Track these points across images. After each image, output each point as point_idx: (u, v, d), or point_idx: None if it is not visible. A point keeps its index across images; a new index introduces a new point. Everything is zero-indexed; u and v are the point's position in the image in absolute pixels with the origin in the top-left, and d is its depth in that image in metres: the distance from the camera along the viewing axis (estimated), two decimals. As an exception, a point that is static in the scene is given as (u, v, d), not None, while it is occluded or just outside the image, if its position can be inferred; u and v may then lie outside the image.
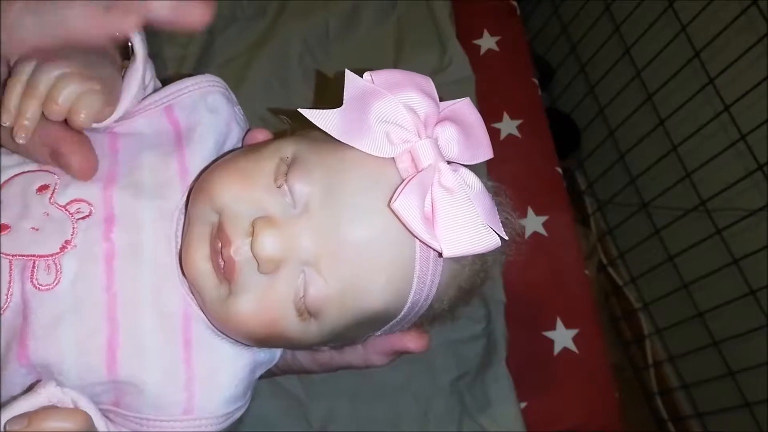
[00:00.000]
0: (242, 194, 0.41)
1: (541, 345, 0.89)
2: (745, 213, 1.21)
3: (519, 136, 1.06)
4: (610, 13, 1.49)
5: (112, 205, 0.43)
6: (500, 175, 0.99)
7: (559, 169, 1.07)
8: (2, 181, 0.44)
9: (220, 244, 0.41)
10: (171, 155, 0.46)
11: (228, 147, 0.50)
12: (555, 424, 0.86)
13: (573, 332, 0.90)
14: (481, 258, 0.47)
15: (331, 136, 0.41)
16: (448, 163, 0.42)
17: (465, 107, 0.45)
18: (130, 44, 0.46)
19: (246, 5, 1.03)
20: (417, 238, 0.40)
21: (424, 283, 0.43)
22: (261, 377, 0.51)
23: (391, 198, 0.39)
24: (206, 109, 0.49)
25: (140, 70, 0.46)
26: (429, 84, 0.44)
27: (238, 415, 0.47)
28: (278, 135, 0.49)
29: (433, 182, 0.40)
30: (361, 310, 0.43)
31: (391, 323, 0.47)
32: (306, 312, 0.42)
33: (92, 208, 0.43)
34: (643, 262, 1.55)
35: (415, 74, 0.44)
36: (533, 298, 0.92)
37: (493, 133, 1.06)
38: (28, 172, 0.45)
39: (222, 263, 0.41)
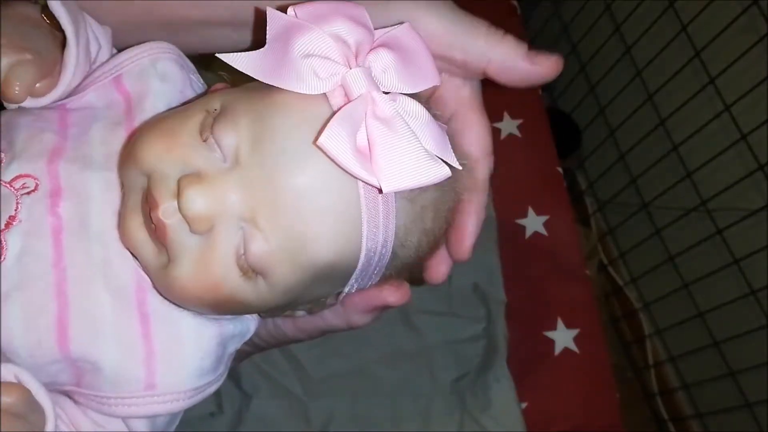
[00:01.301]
0: (167, 153, 0.39)
1: (542, 345, 0.89)
2: (746, 213, 1.21)
3: (519, 136, 1.06)
4: (610, 13, 1.49)
5: (58, 178, 0.41)
6: (500, 175, 1.00)
7: (560, 169, 1.07)
8: None
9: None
10: (120, 125, 0.44)
11: None
12: (555, 424, 0.86)
13: (574, 332, 0.90)
14: (443, 197, 0.43)
15: (262, 83, 0.38)
16: (386, 93, 0.39)
17: (405, 32, 0.41)
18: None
19: (246, 5, 1.03)
20: (350, 174, 0.37)
21: (376, 227, 0.40)
22: (246, 352, 0.48)
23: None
24: (156, 76, 0.46)
25: (73, 45, 0.43)
26: (362, 13, 0.40)
27: (209, 390, 0.44)
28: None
29: (366, 113, 0.37)
30: (311, 264, 0.39)
31: (353, 276, 0.43)
32: (250, 271, 0.39)
33: (38, 182, 0.41)
34: (644, 262, 1.55)
35: (345, 3, 0.40)
36: (534, 298, 0.92)
37: (494, 133, 1.06)
38: None
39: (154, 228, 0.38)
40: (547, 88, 1.76)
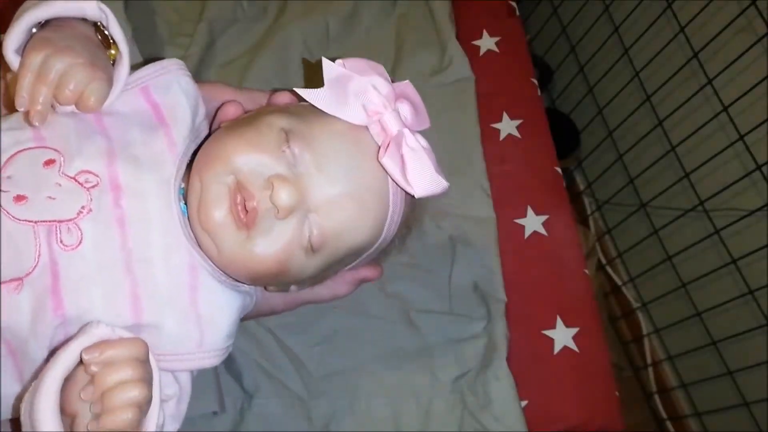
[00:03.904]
0: (255, 158, 0.51)
1: (542, 344, 0.90)
2: (744, 213, 1.22)
3: (519, 136, 1.06)
4: (609, 14, 1.50)
5: (117, 176, 0.50)
6: (500, 174, 1.01)
7: (559, 169, 1.07)
8: (4, 159, 0.49)
9: (239, 198, 0.50)
10: (157, 131, 0.53)
11: (198, 121, 0.58)
12: (555, 422, 0.86)
13: (573, 331, 0.90)
14: (412, 209, 0.60)
15: (313, 109, 0.53)
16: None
17: (409, 87, 0.58)
18: (108, 35, 0.54)
19: (247, 6, 1.04)
20: (397, 184, 0.53)
21: (393, 221, 0.56)
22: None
23: (378, 154, 0.53)
24: (182, 91, 0.56)
25: (127, 65, 0.54)
26: (384, 70, 0.56)
27: (229, 350, 0.55)
28: (253, 109, 0.60)
29: (402, 143, 0.52)
30: (351, 244, 0.54)
31: (365, 254, 0.59)
32: (310, 249, 0.52)
33: (99, 179, 0.49)
34: (642, 262, 1.55)
35: (373, 62, 0.56)
36: (533, 296, 0.92)
37: (493, 133, 1.07)
38: (28, 149, 0.49)
39: (242, 214, 0.50)
40: (547, 88, 1.77)
